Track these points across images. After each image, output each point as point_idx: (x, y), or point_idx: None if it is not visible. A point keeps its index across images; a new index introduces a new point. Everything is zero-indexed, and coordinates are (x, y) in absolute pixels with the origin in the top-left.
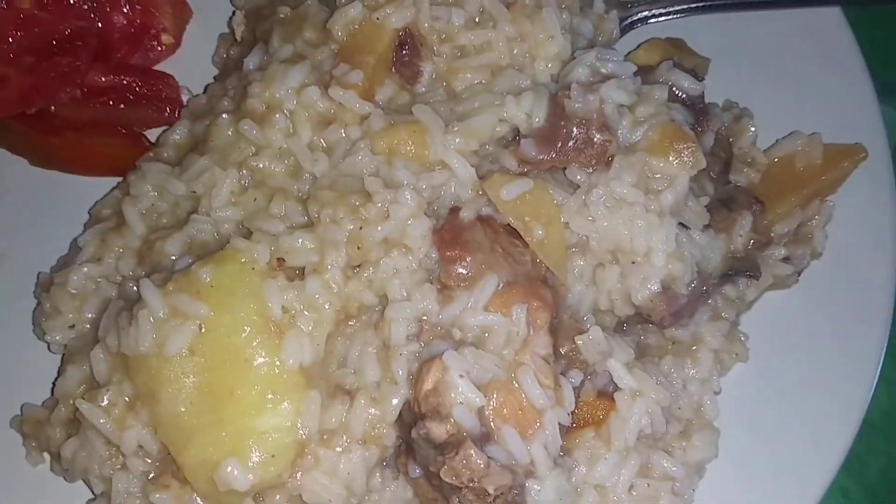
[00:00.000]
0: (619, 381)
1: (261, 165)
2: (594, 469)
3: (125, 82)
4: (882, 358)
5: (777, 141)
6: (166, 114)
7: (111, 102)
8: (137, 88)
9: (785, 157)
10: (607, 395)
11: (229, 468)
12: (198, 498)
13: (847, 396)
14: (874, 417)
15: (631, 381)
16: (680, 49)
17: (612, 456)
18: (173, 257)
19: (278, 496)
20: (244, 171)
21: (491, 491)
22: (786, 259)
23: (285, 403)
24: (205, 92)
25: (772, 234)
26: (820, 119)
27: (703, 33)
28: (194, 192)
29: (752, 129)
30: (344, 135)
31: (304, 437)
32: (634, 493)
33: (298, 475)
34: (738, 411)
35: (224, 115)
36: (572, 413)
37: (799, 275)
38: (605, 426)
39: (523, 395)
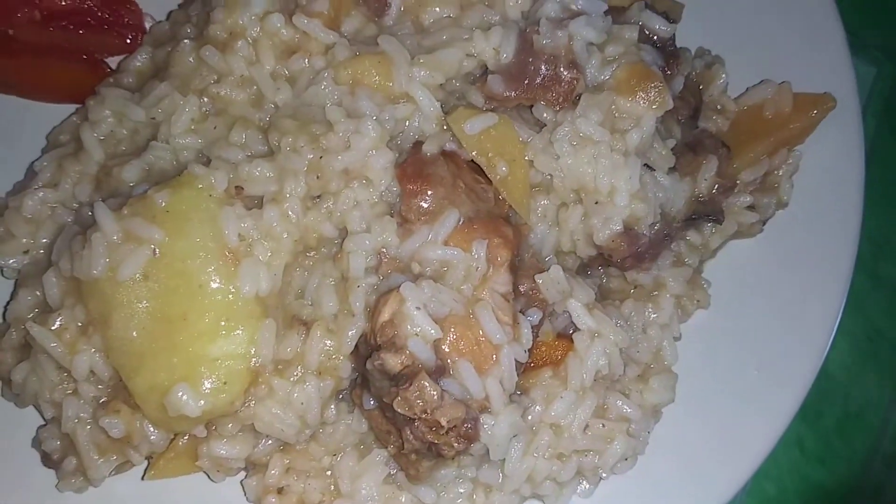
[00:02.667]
0: (578, 321)
1: (222, 93)
2: (550, 408)
3: (86, 6)
4: (842, 309)
5: (747, 89)
6: (128, 40)
7: (71, 27)
8: (98, 13)
9: (754, 105)
10: (566, 336)
11: (180, 393)
12: (148, 424)
13: (805, 346)
14: (833, 370)
15: (590, 321)
16: None
17: (568, 395)
18: (131, 184)
19: (230, 425)
20: (205, 99)
21: (444, 423)
22: (751, 207)
23: (239, 330)
24: (168, 19)
25: (737, 181)
26: (791, 69)
27: None
28: (153, 118)
29: (723, 76)
30: (307, 64)
31: (257, 365)
32: (589, 433)
33: (251, 404)
34: (698, 357)
35: (186, 41)
36: (529, 351)
37: (764, 224)
38: (563, 366)
39: (481, 331)
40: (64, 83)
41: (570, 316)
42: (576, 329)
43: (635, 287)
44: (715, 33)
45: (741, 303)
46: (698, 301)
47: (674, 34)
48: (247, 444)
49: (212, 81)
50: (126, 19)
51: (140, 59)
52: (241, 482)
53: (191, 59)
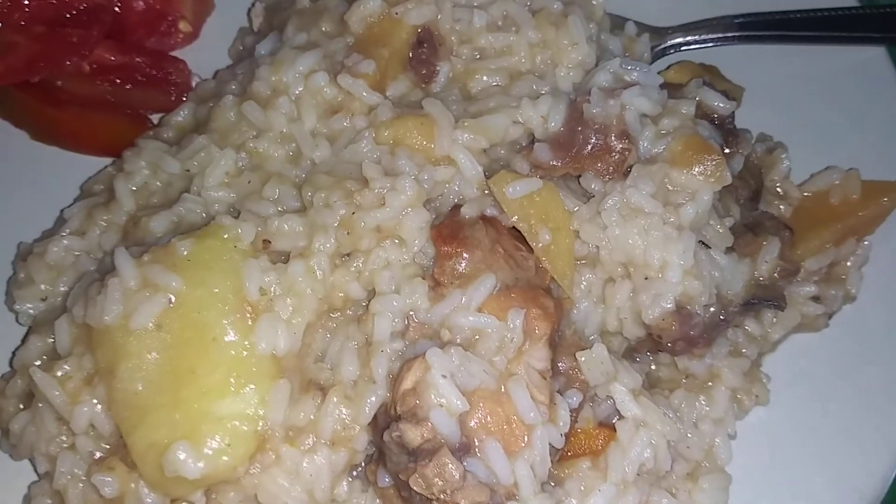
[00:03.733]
0: (622, 407)
1: (260, 149)
2: (587, 502)
3: (135, 62)
4: None
5: (812, 175)
6: (173, 98)
7: (118, 81)
8: (147, 69)
9: (819, 191)
10: (609, 425)
11: (179, 452)
12: (144, 486)
13: (875, 456)
14: None
15: (635, 408)
16: (712, 73)
17: (607, 488)
18: (158, 235)
19: (232, 494)
20: (242, 154)
21: None
22: (815, 298)
23: (249, 389)
24: (214, 77)
25: (801, 265)
26: (858, 156)
27: (738, 64)
28: (188, 170)
29: (786, 161)
30: (349, 124)
31: (266, 429)
32: None
33: (256, 472)
34: (755, 460)
35: (229, 97)
36: (566, 436)
37: (830, 318)
38: (603, 457)
39: (513, 409)
40: (106, 136)
41: (614, 403)
42: (620, 417)
43: (687, 377)
44: (777, 118)
45: (804, 403)
46: (757, 397)
47: (733, 113)
48: None
49: (251, 137)
50: (174, 77)
51: (182, 115)
52: None
53: (232, 114)
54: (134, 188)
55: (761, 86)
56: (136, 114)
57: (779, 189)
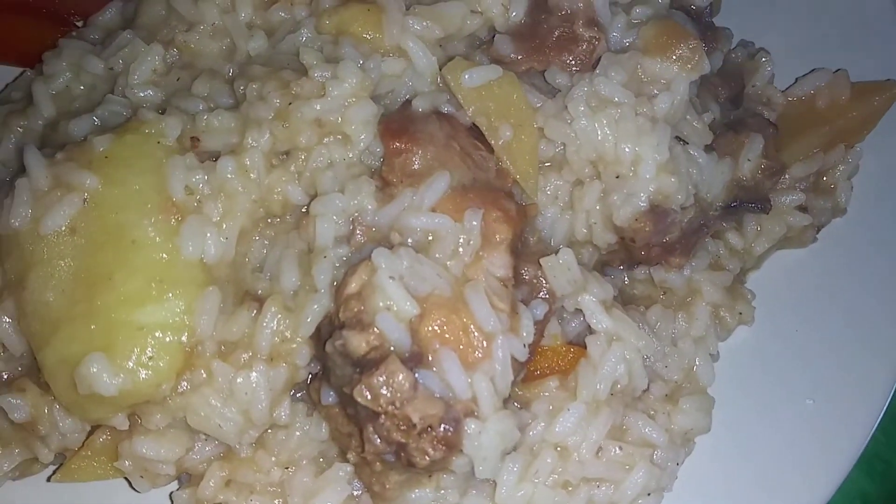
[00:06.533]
0: (592, 321)
1: (191, 44)
2: (554, 423)
3: None
4: None
5: (797, 79)
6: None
7: None
8: None
9: (805, 95)
10: (580, 345)
11: (93, 366)
12: (59, 409)
13: (867, 380)
14: None
15: (607, 321)
16: None
17: (576, 408)
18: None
19: (158, 416)
20: (172, 50)
21: (415, 420)
22: (802, 208)
23: (172, 294)
24: None
25: (786, 167)
26: (846, 59)
27: None
28: (112, 69)
29: (769, 67)
30: (288, 15)
31: (195, 342)
32: (603, 458)
33: (185, 391)
34: (739, 382)
35: None
36: (531, 350)
37: (818, 231)
38: (573, 375)
39: (471, 317)
40: (27, 42)
41: (584, 318)
42: (590, 333)
43: (665, 292)
44: (759, 24)
45: (792, 321)
46: (741, 314)
47: (710, 5)
48: (178, 445)
49: (181, 31)
50: None
51: (108, 14)
52: (170, 495)
53: (160, 7)
54: (54, 92)
55: None
56: (60, 18)
57: (761, 95)
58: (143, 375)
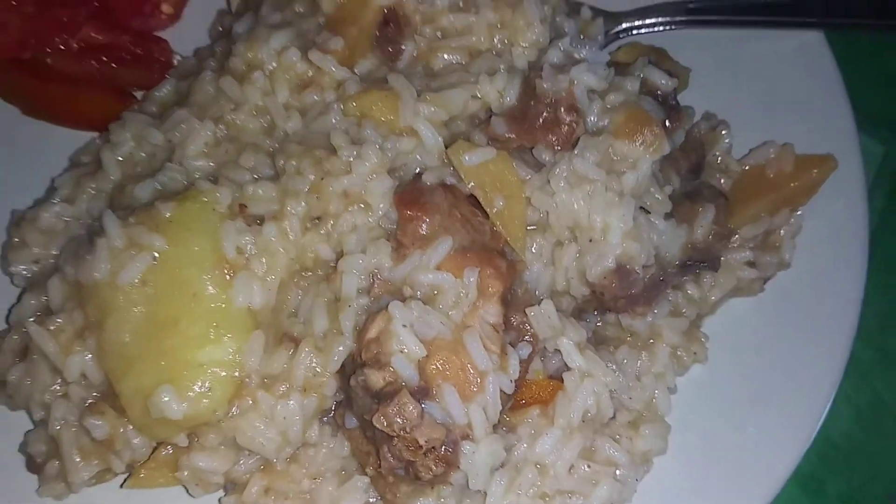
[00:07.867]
0: (568, 360)
1: (237, 121)
2: (535, 445)
3: (121, 41)
4: (842, 375)
5: (750, 150)
6: (156, 75)
7: (105, 59)
8: (132, 48)
9: (757, 165)
10: (558, 379)
11: (164, 396)
12: (132, 429)
13: (802, 411)
14: (837, 440)
15: (580, 360)
16: (660, 55)
17: (554, 432)
18: (142, 202)
19: (212, 435)
20: (220, 126)
21: (422, 442)
22: (751, 264)
23: (227, 338)
24: (194, 55)
25: (734, 231)
26: (796, 134)
27: (688, 48)
28: (170, 141)
29: (728, 138)
30: (319, 98)
31: (243, 376)
32: (575, 475)
33: (235, 415)
34: (692, 412)
35: (208, 72)
36: (517, 385)
37: (765, 283)
38: (552, 405)
39: (468, 357)
40: (93, 111)
41: (562, 357)
42: (567, 370)
43: (631, 335)
44: (720, 98)
45: (740, 361)
46: (695, 353)
47: (675, 90)
48: (227, 459)
49: (229, 109)
50: (157, 56)
51: (164, 90)
52: (219, 500)
53: (210, 88)
54: (120, 158)
55: (709, 67)
56: (121, 90)
57: (720, 163)
58: (203, 403)
